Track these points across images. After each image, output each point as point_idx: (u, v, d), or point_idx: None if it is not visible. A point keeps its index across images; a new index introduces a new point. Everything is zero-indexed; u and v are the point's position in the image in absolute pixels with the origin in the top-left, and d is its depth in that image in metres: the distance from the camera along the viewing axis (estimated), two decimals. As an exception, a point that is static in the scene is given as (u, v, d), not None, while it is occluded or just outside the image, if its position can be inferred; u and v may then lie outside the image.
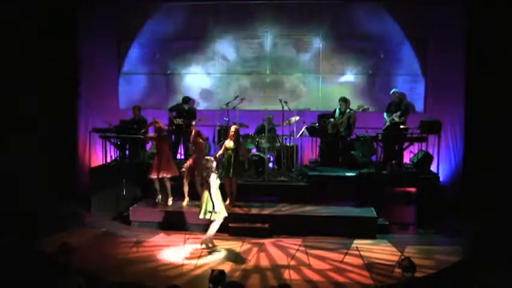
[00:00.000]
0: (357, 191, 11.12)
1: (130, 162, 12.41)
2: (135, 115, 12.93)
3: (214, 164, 8.97)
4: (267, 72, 13.60)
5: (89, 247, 9.15)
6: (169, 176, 10.85)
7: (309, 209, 10.71)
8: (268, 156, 12.15)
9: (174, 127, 12.66)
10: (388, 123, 12.05)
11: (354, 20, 13.44)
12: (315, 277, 8.00)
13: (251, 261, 8.67)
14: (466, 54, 12.28)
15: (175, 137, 12.75)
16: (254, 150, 12.34)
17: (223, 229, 9.80)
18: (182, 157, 12.78)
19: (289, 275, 8.06)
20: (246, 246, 9.37)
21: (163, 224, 10.49)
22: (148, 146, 12.92)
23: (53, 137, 11.88)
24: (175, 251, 9.06)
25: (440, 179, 11.63)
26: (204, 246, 9.09)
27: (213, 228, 9.07)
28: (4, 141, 10.97)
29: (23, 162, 11.05)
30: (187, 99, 12.94)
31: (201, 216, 8.93)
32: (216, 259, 8.74)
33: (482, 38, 11.72)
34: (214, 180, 8.89)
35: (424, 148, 11.83)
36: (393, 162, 11.76)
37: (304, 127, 12.24)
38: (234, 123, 11.66)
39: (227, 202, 10.72)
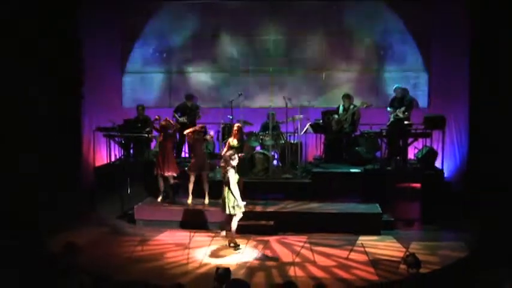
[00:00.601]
0: (362, 188, 11.12)
1: (134, 161, 12.43)
2: (139, 114, 12.96)
3: (236, 160, 8.99)
4: (270, 69, 13.60)
5: (94, 246, 9.14)
6: (173, 174, 10.87)
7: (313, 206, 10.71)
8: (273, 153, 12.15)
9: (179, 126, 12.65)
10: (392, 119, 12.03)
11: (357, 16, 13.43)
12: (320, 274, 8.00)
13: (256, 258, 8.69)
14: (470, 49, 12.23)
15: (179, 135, 12.76)
16: (258, 148, 12.34)
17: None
18: (187, 155, 12.79)
19: (294, 272, 8.06)
20: (252, 243, 9.37)
21: (172, 222, 10.47)
22: (153, 144, 12.93)
23: (57, 137, 11.89)
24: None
25: (445, 175, 11.62)
26: (232, 244, 9.10)
27: (235, 224, 9.08)
28: (7, 141, 10.98)
29: (26, 163, 11.06)
30: (189, 96, 12.96)
31: (227, 211, 8.92)
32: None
33: (486, 33, 11.67)
34: (233, 176, 8.90)
35: (428, 144, 11.82)
36: (398, 158, 11.74)
37: (308, 124, 12.23)
38: (238, 121, 11.67)
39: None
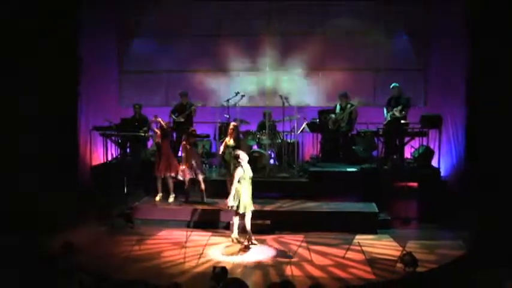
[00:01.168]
0: (359, 187, 11.13)
1: (131, 160, 12.43)
2: (136, 113, 12.95)
3: (245, 158, 9.01)
4: (267, 68, 13.61)
5: (91, 245, 9.13)
6: (172, 174, 10.88)
7: (310, 205, 10.72)
8: (269, 152, 12.15)
9: (176, 126, 12.66)
10: (388, 118, 12.04)
11: (355, 15, 13.44)
12: (316, 273, 8.01)
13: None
14: (467, 48, 12.23)
15: (176, 134, 12.76)
16: (255, 147, 12.35)
17: (225, 226, 9.96)
18: (183, 154, 12.74)
19: (291, 271, 8.06)
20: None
21: (169, 221, 10.48)
22: (150, 143, 12.92)
23: (54, 136, 11.88)
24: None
25: (442, 174, 11.66)
26: (254, 242, 9.15)
27: (249, 222, 9.09)
28: (5, 141, 10.97)
29: (24, 162, 11.05)
30: (184, 94, 12.93)
31: (241, 210, 8.95)
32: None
33: (484, 33, 11.67)
34: (240, 174, 8.95)
35: (425, 143, 11.84)
36: (394, 157, 11.77)
37: (305, 123, 12.25)
38: (235, 120, 11.68)
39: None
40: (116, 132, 12.36)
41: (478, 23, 11.68)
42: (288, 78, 13.82)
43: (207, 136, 13.10)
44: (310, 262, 8.47)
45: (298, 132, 12.17)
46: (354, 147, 12.27)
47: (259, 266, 8.33)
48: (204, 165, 11.57)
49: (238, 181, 8.95)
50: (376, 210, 10.34)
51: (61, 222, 10.13)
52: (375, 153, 12.33)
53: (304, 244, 9.29)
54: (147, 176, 11.11)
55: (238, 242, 9.19)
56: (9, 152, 10.97)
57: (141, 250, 9.08)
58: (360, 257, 8.70)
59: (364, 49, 13.58)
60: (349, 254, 8.81)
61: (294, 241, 9.47)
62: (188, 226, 10.25)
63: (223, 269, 5.99)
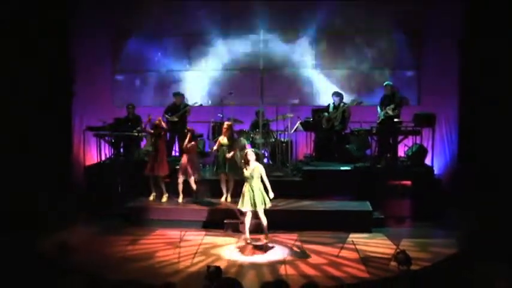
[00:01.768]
0: (352, 185, 11.13)
1: (125, 160, 12.40)
2: (129, 113, 12.92)
3: (252, 156, 9.01)
4: (261, 67, 13.59)
5: (86, 246, 9.10)
6: (162, 174, 10.87)
7: (304, 204, 10.72)
8: (263, 151, 12.15)
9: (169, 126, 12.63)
10: (382, 117, 12.05)
11: (348, 13, 13.45)
12: (311, 272, 8.01)
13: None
14: (461, 47, 12.28)
15: (170, 134, 12.73)
16: (249, 146, 12.33)
17: (219, 225, 9.97)
18: (177, 154, 12.76)
19: (285, 270, 8.07)
20: (242, 242, 9.37)
21: (161, 221, 10.48)
22: (143, 143, 12.90)
23: (47, 136, 11.84)
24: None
25: (435, 172, 11.69)
26: (268, 240, 9.19)
27: (264, 220, 9.09)
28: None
29: (17, 162, 11.02)
30: (177, 94, 12.92)
31: (259, 208, 8.93)
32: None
33: (477, 32, 11.72)
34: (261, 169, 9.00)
35: (418, 141, 11.86)
36: (388, 155, 11.78)
37: (298, 122, 12.24)
38: (229, 119, 11.66)
39: (223, 198, 10.78)
40: (109, 132, 12.33)
41: (472, 23, 11.74)
42: (282, 77, 13.79)
43: (201, 135, 13.07)
44: (305, 261, 8.47)
45: (292, 131, 12.16)
46: (347, 146, 12.27)
47: (253, 265, 8.32)
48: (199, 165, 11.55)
49: (245, 180, 8.95)
50: (370, 208, 10.35)
51: (54, 222, 10.11)
52: (368, 151, 12.34)
53: (298, 243, 9.30)
54: (141, 176, 11.08)
55: (248, 243, 9.19)
56: (3, 152, 10.94)
57: (135, 250, 9.06)
58: (354, 255, 8.72)
59: (358, 48, 13.58)
60: (343, 253, 8.83)
61: (288, 240, 9.47)
62: (182, 226, 10.22)
63: (218, 268, 5.98)
